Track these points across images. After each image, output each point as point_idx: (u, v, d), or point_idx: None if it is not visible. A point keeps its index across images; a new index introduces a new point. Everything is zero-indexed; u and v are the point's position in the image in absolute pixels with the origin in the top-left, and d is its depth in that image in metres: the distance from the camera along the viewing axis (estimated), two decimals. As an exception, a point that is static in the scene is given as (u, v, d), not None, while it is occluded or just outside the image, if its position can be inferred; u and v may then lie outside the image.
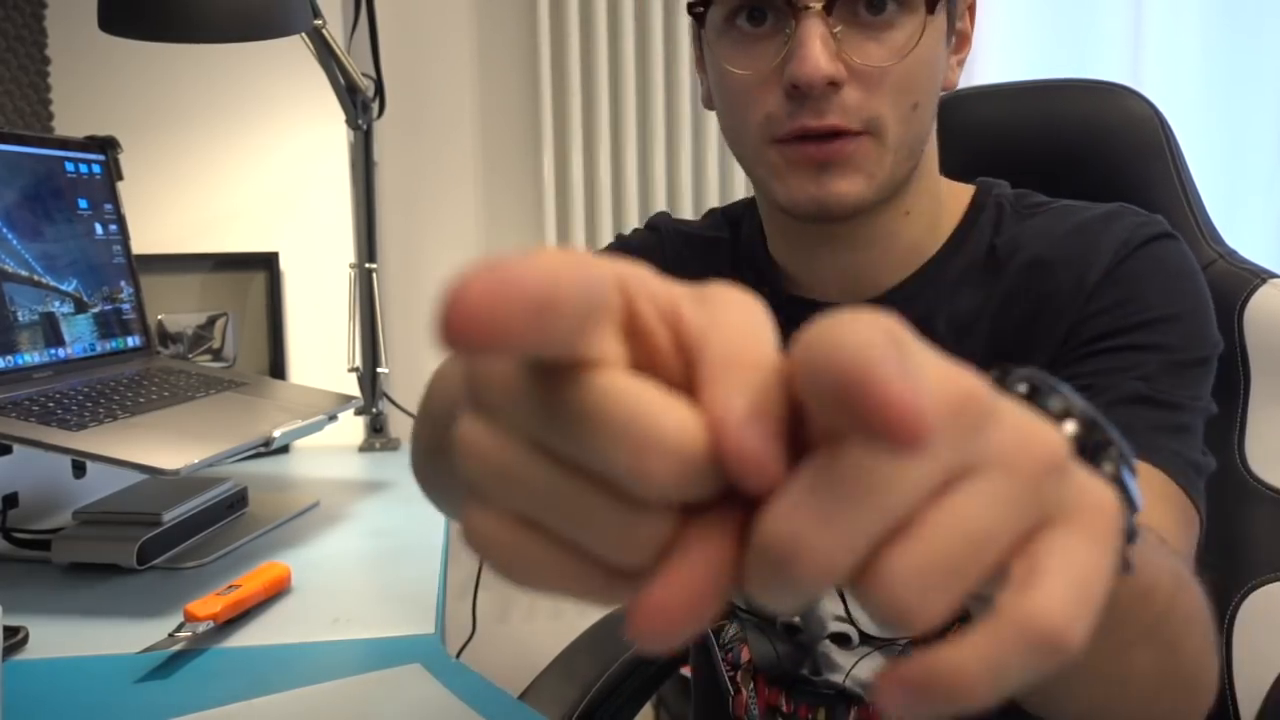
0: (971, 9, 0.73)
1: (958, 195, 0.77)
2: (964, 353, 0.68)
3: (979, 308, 0.72)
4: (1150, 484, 0.62)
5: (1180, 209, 0.89)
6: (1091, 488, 0.28)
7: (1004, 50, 1.93)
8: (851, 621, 0.74)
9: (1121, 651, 0.44)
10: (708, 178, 1.97)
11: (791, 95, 0.65)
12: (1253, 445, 0.86)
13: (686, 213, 1.94)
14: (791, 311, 0.74)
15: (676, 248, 0.85)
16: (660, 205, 1.93)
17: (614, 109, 1.92)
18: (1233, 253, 0.89)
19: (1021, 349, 0.70)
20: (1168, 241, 0.71)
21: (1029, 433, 0.26)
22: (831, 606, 0.75)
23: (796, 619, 0.77)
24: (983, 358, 0.66)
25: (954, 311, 0.72)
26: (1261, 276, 0.86)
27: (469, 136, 1.93)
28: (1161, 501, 0.62)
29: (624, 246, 0.87)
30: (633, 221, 1.92)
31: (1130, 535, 0.36)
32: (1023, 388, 0.37)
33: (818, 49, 0.64)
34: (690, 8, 0.70)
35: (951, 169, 0.78)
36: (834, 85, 0.65)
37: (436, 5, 1.89)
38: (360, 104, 1.50)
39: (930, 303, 0.73)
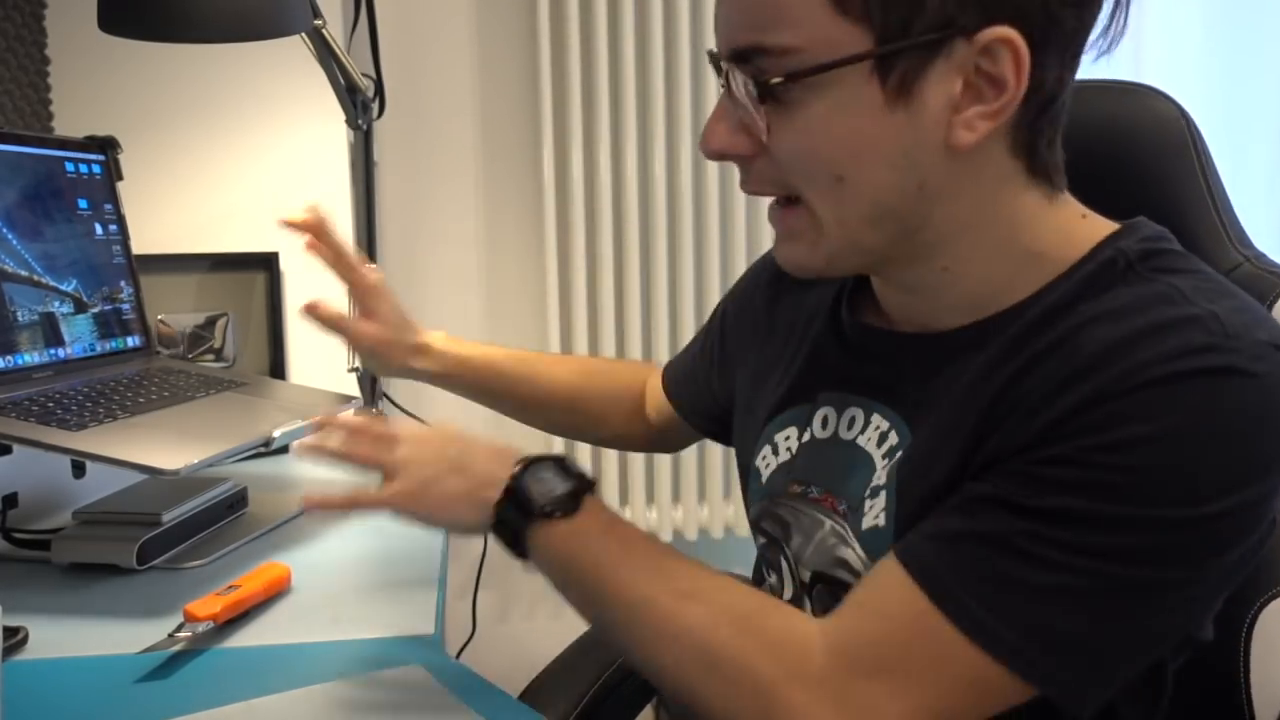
0: (1012, 48, 0.60)
1: (1078, 246, 0.68)
2: (994, 414, 0.65)
3: (1019, 377, 0.64)
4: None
5: (1205, 210, 0.87)
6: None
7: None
8: None
9: (574, 598, 0.77)
10: (708, 177, 1.97)
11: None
12: None
13: (686, 212, 1.94)
14: (854, 336, 0.78)
15: (767, 278, 0.92)
16: (660, 205, 1.93)
17: (614, 109, 1.92)
18: (1261, 256, 0.88)
19: (1008, 433, 0.63)
20: (1218, 380, 0.58)
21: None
22: None
23: None
24: (990, 427, 0.64)
25: (1005, 371, 0.65)
26: None
27: (469, 136, 1.93)
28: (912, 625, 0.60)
29: (745, 274, 0.99)
30: (632, 221, 1.92)
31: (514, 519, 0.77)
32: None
33: (713, 122, 0.67)
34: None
35: None
36: (743, 156, 0.67)
37: (436, 5, 1.89)
38: (360, 104, 1.50)
39: (990, 353, 0.67)
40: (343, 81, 1.45)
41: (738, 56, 0.64)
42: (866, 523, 0.71)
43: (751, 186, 0.69)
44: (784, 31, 0.61)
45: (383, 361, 1.09)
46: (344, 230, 1.64)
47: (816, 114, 0.63)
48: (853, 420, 0.75)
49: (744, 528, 1.53)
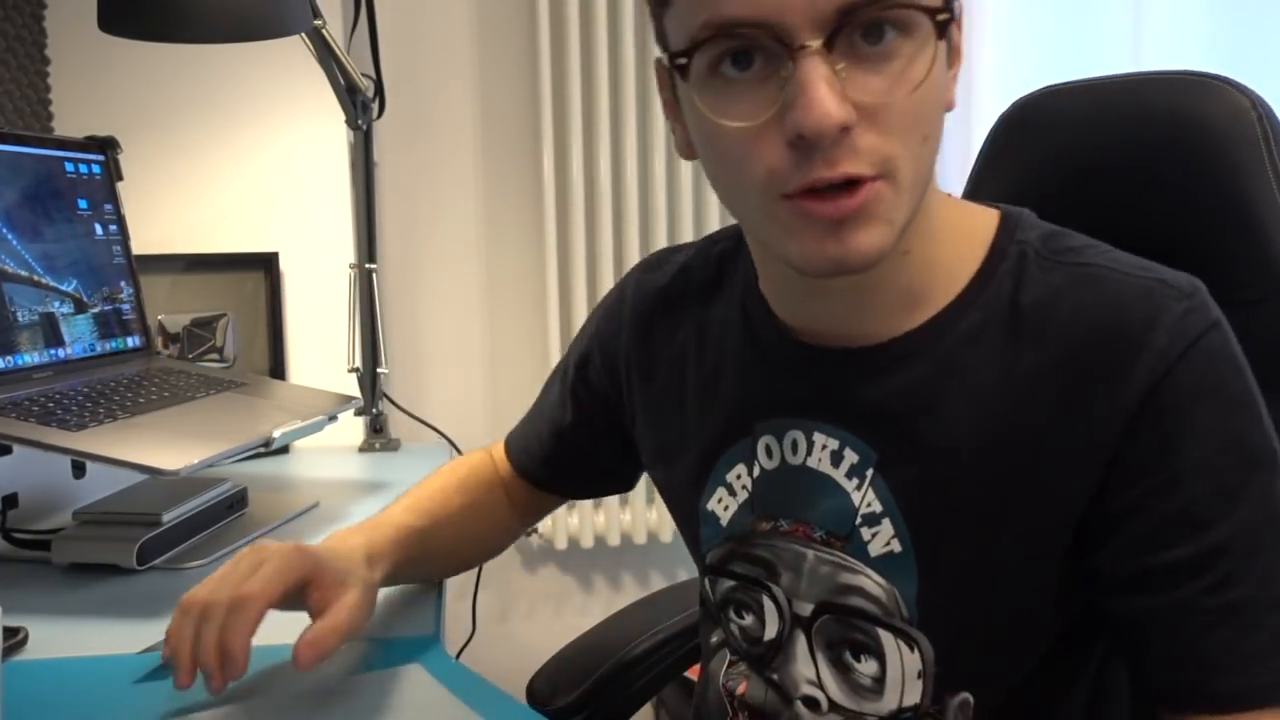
0: (958, 20, 0.66)
1: (974, 237, 0.70)
2: (983, 413, 0.66)
3: (1002, 373, 0.66)
4: None
5: (1274, 206, 0.85)
6: None
7: (1003, 52, 1.93)
8: (821, 688, 0.73)
9: None
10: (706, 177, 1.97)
11: (796, 145, 0.58)
12: None
13: (686, 212, 1.94)
14: (795, 358, 0.73)
15: (644, 309, 0.85)
16: (660, 205, 1.93)
17: (614, 109, 1.92)
18: None
19: (1046, 437, 0.65)
20: (1211, 336, 0.63)
21: None
22: (805, 670, 0.74)
23: (776, 675, 0.76)
24: (1002, 428, 0.65)
25: (969, 368, 0.67)
26: None
27: (469, 136, 1.93)
28: None
29: (593, 326, 0.91)
30: (632, 221, 1.92)
31: None
32: None
33: (824, 93, 0.56)
34: (672, 59, 0.63)
35: (1041, 165, 0.74)
36: (844, 130, 0.58)
37: (436, 5, 1.89)
38: (360, 104, 1.50)
39: (941, 362, 0.68)
40: (343, 81, 1.45)
41: (866, 3, 0.57)
42: (875, 550, 0.70)
43: (850, 166, 0.59)
44: None
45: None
46: (344, 230, 1.64)
47: (933, 64, 0.59)
48: (795, 444, 0.74)
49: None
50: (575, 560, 2.06)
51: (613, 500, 2.00)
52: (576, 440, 0.94)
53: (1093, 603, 0.68)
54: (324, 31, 1.35)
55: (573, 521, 1.98)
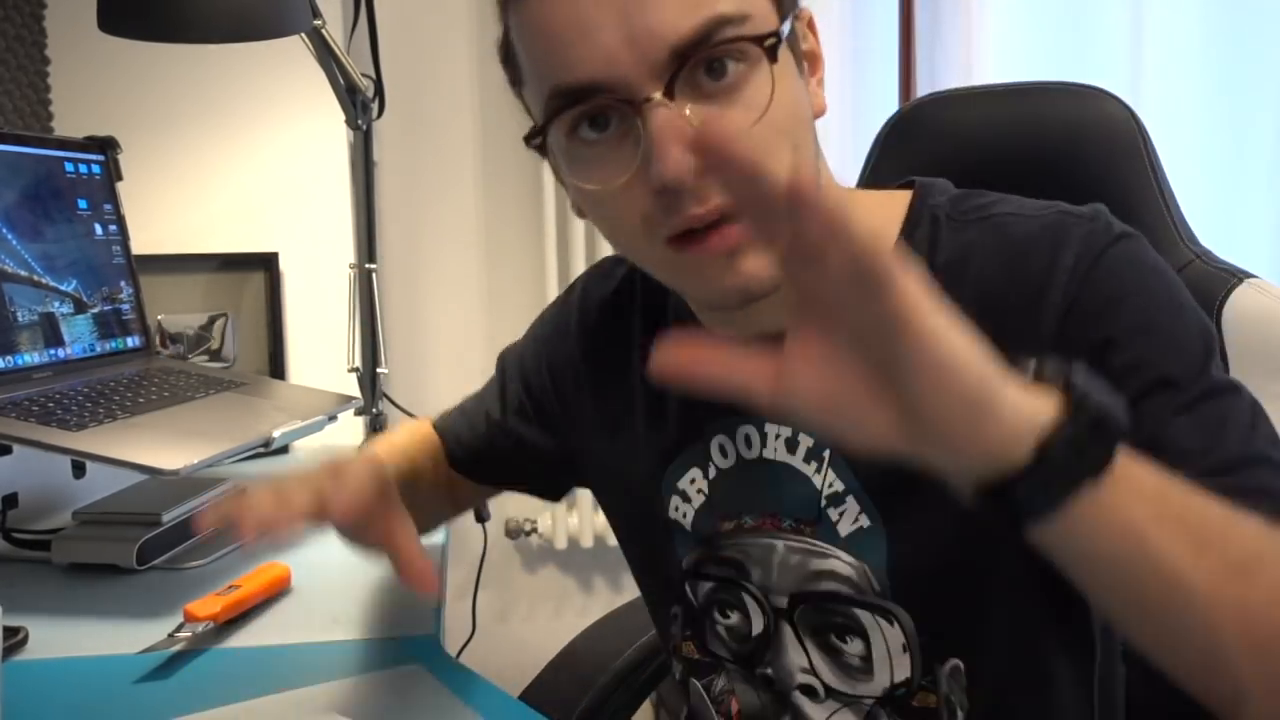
0: (811, 25, 0.68)
1: (889, 210, 0.71)
2: None
3: None
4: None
5: (1157, 209, 0.90)
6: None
7: (1002, 54, 1.93)
8: (815, 675, 0.73)
9: (1150, 535, 0.48)
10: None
11: (664, 192, 0.59)
12: None
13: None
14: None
15: (592, 321, 0.84)
16: (660, 205, 1.93)
17: (614, 109, 1.91)
18: (1209, 253, 0.90)
19: None
20: (1119, 246, 0.64)
21: None
22: (797, 658, 0.73)
23: (770, 670, 0.74)
24: None
25: None
26: (1239, 276, 0.86)
27: (469, 136, 1.93)
28: None
29: (537, 336, 0.90)
30: (632, 221, 1.92)
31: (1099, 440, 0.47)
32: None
33: (673, 148, 0.57)
34: (528, 141, 0.65)
35: (935, 170, 0.76)
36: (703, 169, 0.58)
37: (436, 5, 1.89)
38: (360, 104, 1.50)
39: None
40: (343, 81, 1.45)
41: (696, 43, 0.58)
42: (845, 529, 0.70)
43: (716, 201, 0.59)
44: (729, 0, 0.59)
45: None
46: (344, 230, 1.64)
47: (779, 82, 0.61)
48: (749, 439, 0.74)
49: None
50: (575, 560, 2.06)
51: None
52: (508, 439, 0.90)
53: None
54: (324, 31, 1.35)
55: (572, 521, 1.98)
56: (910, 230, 0.70)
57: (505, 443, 0.91)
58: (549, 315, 0.91)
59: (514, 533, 2.00)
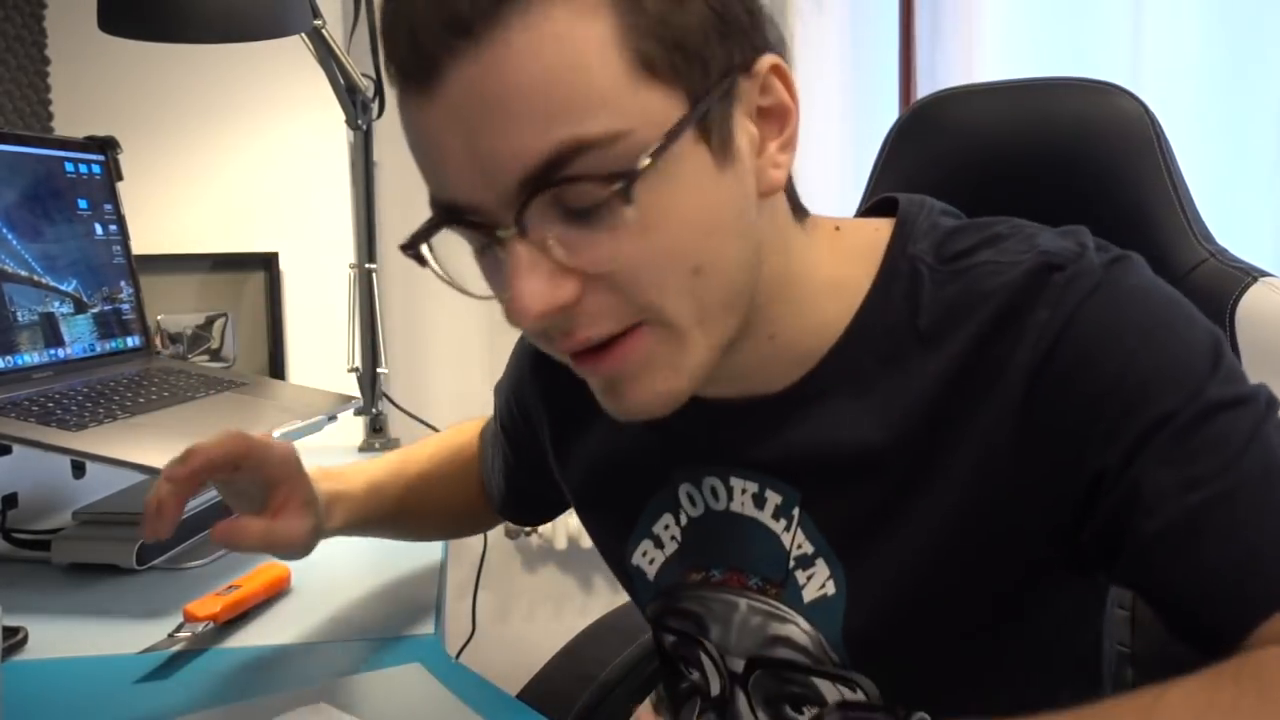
0: (778, 73, 0.57)
1: (863, 257, 0.65)
2: (896, 435, 0.62)
3: (913, 393, 0.62)
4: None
5: (1171, 206, 0.89)
6: None
7: (1003, 51, 1.93)
8: None
9: None
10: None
11: None
12: None
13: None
14: (698, 414, 0.65)
15: (542, 362, 0.78)
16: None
17: (614, 109, 1.92)
18: (1223, 251, 0.88)
19: (957, 445, 0.61)
20: (1102, 289, 0.59)
21: None
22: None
23: None
24: (918, 444, 0.62)
25: (879, 396, 0.63)
26: (1253, 275, 0.85)
27: (469, 136, 1.93)
28: None
29: (509, 362, 0.85)
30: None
31: None
32: None
33: (525, 286, 0.53)
34: (403, 249, 0.61)
35: (944, 168, 0.74)
36: (570, 304, 0.54)
37: (436, 5, 1.89)
38: (360, 104, 1.50)
39: (844, 393, 0.64)
40: (343, 81, 1.45)
41: (544, 175, 0.51)
42: (809, 594, 0.66)
43: (591, 331, 0.55)
44: (604, 116, 0.51)
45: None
46: (344, 230, 1.64)
47: (666, 200, 0.53)
48: (714, 490, 0.70)
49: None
50: (575, 560, 2.06)
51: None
52: (520, 482, 0.88)
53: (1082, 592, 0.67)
54: (324, 31, 1.35)
55: (573, 521, 1.98)
56: (887, 286, 0.64)
57: (519, 487, 0.89)
58: (513, 355, 0.86)
59: (514, 533, 2.00)
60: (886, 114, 1.98)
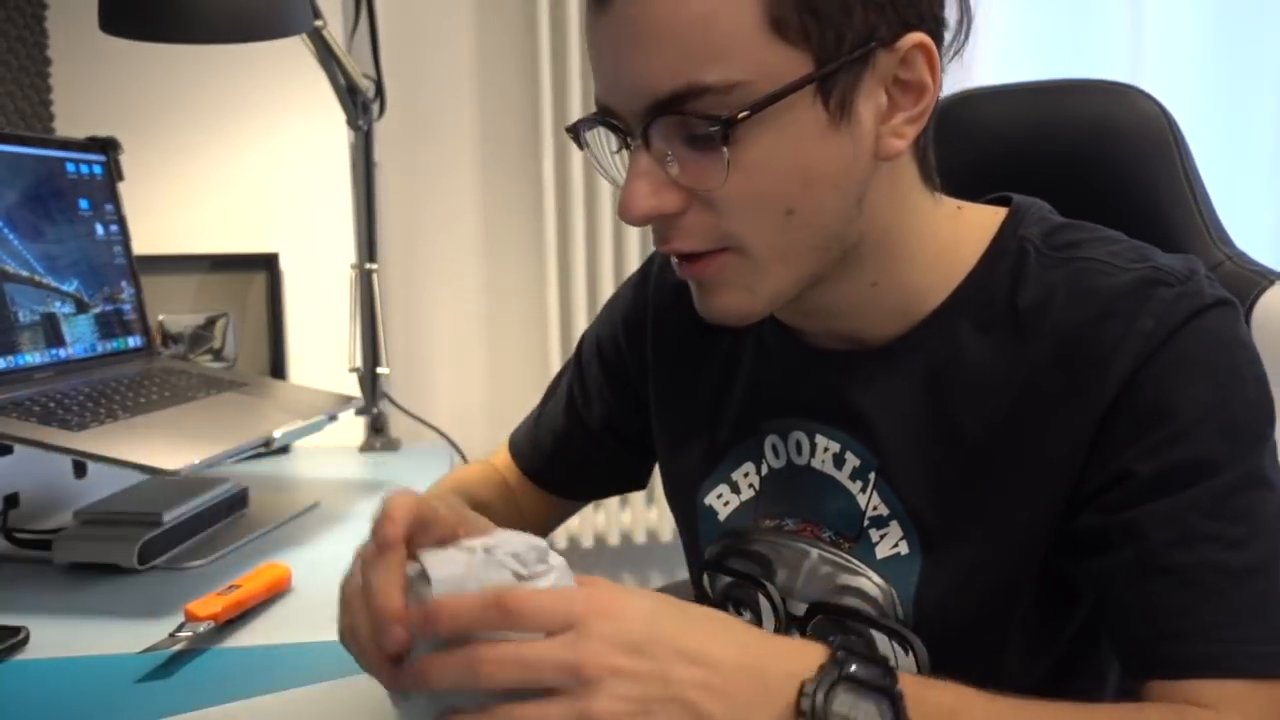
0: (924, 50, 0.62)
1: (976, 234, 0.70)
2: (986, 409, 0.66)
3: (1003, 370, 0.67)
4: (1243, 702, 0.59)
5: (1188, 209, 0.88)
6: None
7: (1003, 50, 1.93)
8: None
9: None
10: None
11: None
12: None
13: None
14: (798, 359, 0.73)
15: (665, 300, 0.84)
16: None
17: (614, 109, 1.92)
18: (1241, 254, 0.88)
19: (1043, 430, 0.65)
20: (1203, 319, 0.63)
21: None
22: None
23: None
24: (1005, 423, 0.66)
25: (972, 366, 0.68)
26: (1269, 278, 0.85)
27: (469, 136, 1.93)
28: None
29: (613, 305, 0.91)
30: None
31: None
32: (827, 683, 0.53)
33: (632, 189, 0.61)
34: (569, 130, 0.69)
35: (959, 168, 0.75)
36: (672, 214, 0.62)
37: (436, 5, 1.89)
38: (360, 104, 1.51)
39: (939, 356, 0.69)
40: (343, 82, 1.45)
41: (668, 105, 0.59)
42: (882, 552, 0.70)
43: (679, 244, 0.64)
44: (724, 66, 0.58)
45: None
46: (344, 230, 1.64)
47: (767, 148, 0.60)
48: (799, 445, 0.74)
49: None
50: (575, 560, 2.05)
51: (613, 500, 2.00)
52: (590, 435, 0.92)
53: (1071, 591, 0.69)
54: (324, 32, 1.35)
55: (572, 522, 1.98)
56: (994, 260, 0.69)
57: (587, 434, 0.92)
58: (624, 288, 0.91)
59: (514, 532, 2.00)
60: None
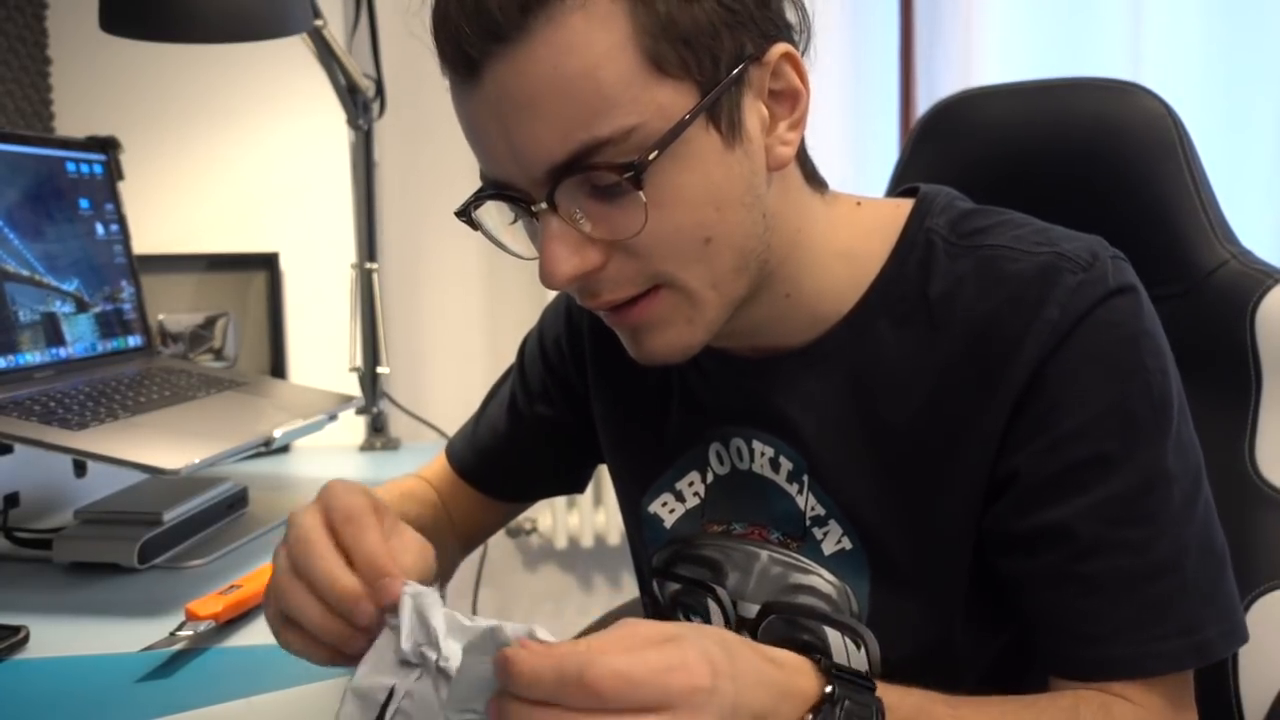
0: (790, 60, 0.63)
1: (882, 229, 0.71)
2: (908, 404, 0.67)
3: (921, 364, 0.67)
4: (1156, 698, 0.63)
5: (1193, 208, 0.88)
6: None
7: (1003, 49, 1.93)
8: None
9: None
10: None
11: None
12: (1263, 449, 0.85)
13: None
14: (725, 369, 0.73)
15: (600, 327, 0.77)
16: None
17: (614, 109, 1.91)
18: (1246, 252, 0.88)
19: (962, 420, 0.66)
20: (1106, 306, 0.64)
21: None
22: None
23: None
24: (927, 415, 0.67)
25: (891, 362, 0.68)
26: (1275, 277, 0.85)
27: (469, 136, 1.93)
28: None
29: (554, 303, 0.91)
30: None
31: None
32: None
33: (553, 253, 0.60)
34: (459, 214, 0.67)
35: (966, 168, 0.75)
36: (594, 269, 0.61)
37: (437, 5, 1.89)
38: (361, 104, 1.51)
39: (860, 356, 0.69)
40: (343, 81, 1.45)
41: (568, 167, 0.59)
42: (829, 549, 0.71)
43: (610, 296, 0.63)
44: (616, 115, 0.58)
45: None
46: (344, 230, 1.64)
47: (676, 182, 0.60)
48: (740, 451, 0.75)
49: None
50: (575, 560, 2.06)
51: (612, 500, 2.00)
52: (532, 435, 0.91)
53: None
54: (324, 31, 1.35)
55: (572, 521, 1.98)
56: (903, 254, 0.70)
57: (529, 433, 0.91)
58: (561, 295, 0.91)
59: (514, 532, 2.00)
60: (886, 114, 1.99)
